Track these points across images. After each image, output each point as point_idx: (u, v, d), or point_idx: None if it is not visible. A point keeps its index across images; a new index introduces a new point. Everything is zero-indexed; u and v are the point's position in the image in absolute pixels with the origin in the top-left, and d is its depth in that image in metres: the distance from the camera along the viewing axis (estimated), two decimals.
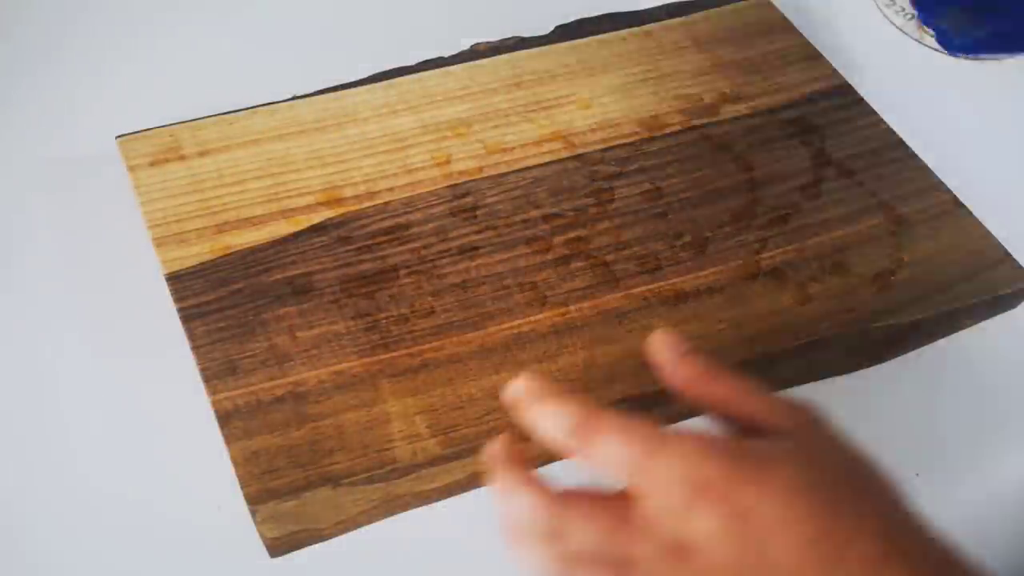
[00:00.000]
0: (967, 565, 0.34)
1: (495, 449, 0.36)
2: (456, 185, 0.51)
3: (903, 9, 0.69)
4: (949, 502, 0.47)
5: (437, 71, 0.56)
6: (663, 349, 0.39)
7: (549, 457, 0.37)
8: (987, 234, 0.53)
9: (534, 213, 0.50)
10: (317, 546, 0.42)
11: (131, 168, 0.49)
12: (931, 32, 0.63)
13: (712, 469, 0.33)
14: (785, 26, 0.62)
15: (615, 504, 0.34)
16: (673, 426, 0.37)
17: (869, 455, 0.35)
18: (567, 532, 0.34)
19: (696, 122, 0.56)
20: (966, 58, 0.63)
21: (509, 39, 0.58)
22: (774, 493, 0.33)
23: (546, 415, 0.35)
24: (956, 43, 0.64)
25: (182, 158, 0.50)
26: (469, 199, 0.50)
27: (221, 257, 0.46)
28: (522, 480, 0.35)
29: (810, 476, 0.33)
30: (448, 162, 0.52)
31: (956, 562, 0.34)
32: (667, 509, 0.33)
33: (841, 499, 0.33)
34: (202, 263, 0.46)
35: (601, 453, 0.34)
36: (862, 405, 0.49)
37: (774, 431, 0.35)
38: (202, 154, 0.50)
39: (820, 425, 0.36)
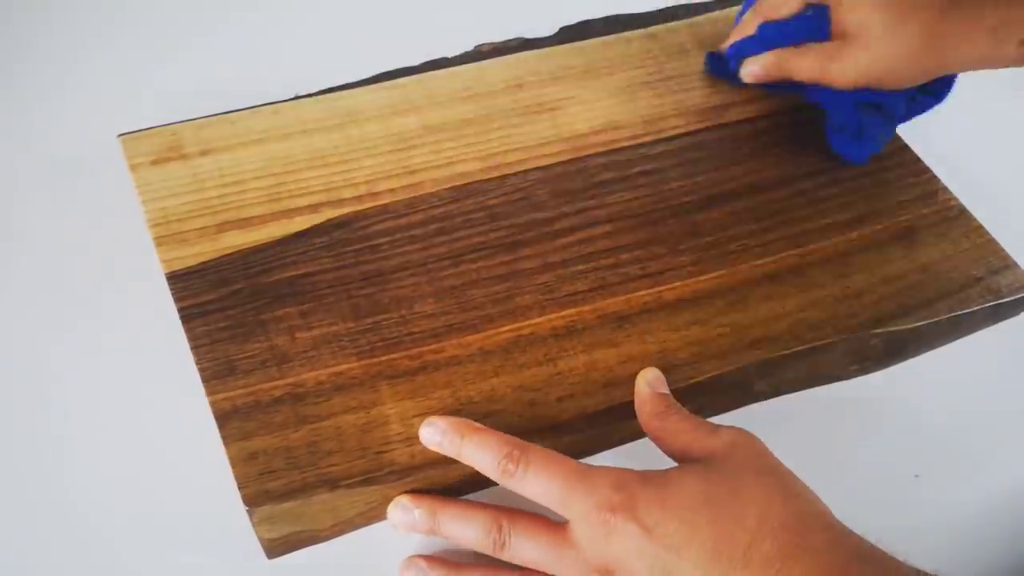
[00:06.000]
0: (882, 558, 0.36)
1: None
2: (458, 187, 0.51)
3: None
4: (950, 503, 0.47)
5: (440, 72, 0.55)
6: (643, 385, 0.44)
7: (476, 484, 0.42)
8: (991, 240, 0.52)
9: (536, 215, 0.50)
10: (314, 547, 0.42)
11: (132, 167, 0.49)
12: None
13: (622, 494, 0.37)
14: None
15: (553, 527, 0.39)
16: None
17: (782, 465, 0.39)
18: (512, 545, 0.39)
19: (699, 125, 0.55)
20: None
21: (512, 40, 0.58)
22: (675, 510, 0.37)
23: (474, 450, 0.40)
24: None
25: (184, 157, 0.50)
26: (471, 201, 0.50)
27: (222, 257, 0.46)
28: (466, 504, 0.40)
29: (710, 491, 0.37)
30: (450, 163, 0.51)
31: (870, 554, 0.36)
32: (589, 535, 0.38)
33: (743, 507, 0.37)
34: (203, 263, 0.46)
35: (528, 487, 0.39)
36: (864, 407, 0.49)
37: (699, 458, 0.40)
38: (204, 153, 0.50)
39: (738, 446, 0.40)
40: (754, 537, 0.36)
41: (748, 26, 0.55)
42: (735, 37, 0.56)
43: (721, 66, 0.56)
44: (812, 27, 0.52)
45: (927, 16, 0.48)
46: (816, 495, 0.39)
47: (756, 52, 0.54)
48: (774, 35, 0.53)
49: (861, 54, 0.50)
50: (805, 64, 0.52)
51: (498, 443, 0.40)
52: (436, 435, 0.41)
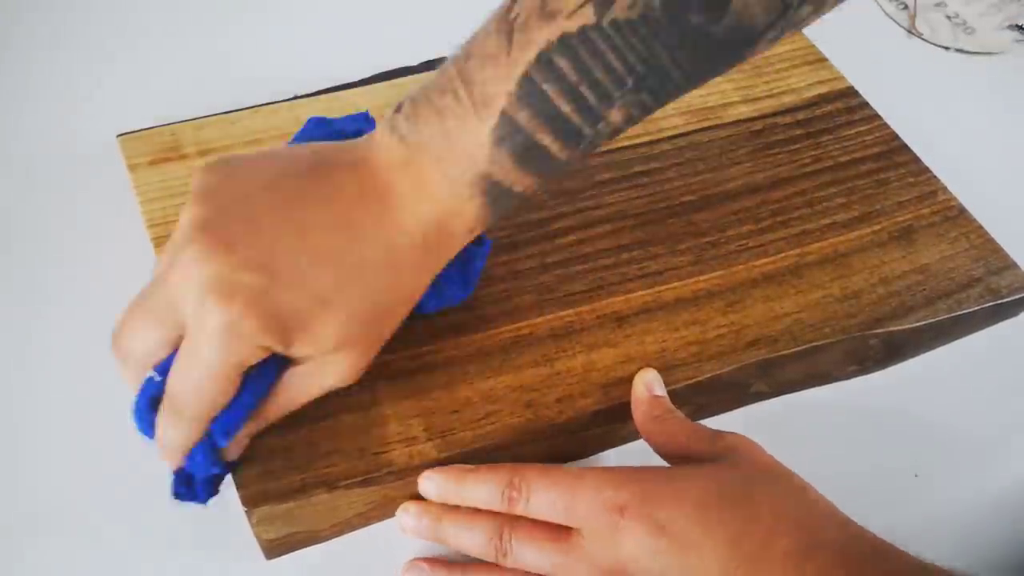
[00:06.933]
0: (897, 554, 0.36)
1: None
2: None
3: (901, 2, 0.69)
4: (950, 502, 0.47)
5: None
6: (640, 386, 0.43)
7: None
8: (991, 240, 0.52)
9: (534, 215, 0.50)
10: (313, 548, 0.42)
11: (131, 167, 0.49)
12: (919, 33, 0.58)
13: (628, 493, 0.37)
14: None
15: (557, 532, 0.38)
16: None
17: (787, 468, 0.39)
18: (515, 552, 0.38)
19: (698, 125, 0.55)
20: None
21: None
22: (688, 507, 0.36)
23: (472, 492, 0.40)
24: None
25: (182, 157, 0.50)
26: None
27: None
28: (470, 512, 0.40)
29: (721, 489, 0.37)
30: None
31: (885, 551, 0.36)
32: (597, 537, 0.37)
33: (756, 505, 0.37)
34: None
35: (533, 508, 0.38)
36: (864, 407, 0.49)
37: (698, 461, 0.40)
38: (203, 153, 0.50)
39: (739, 450, 0.39)
40: (770, 533, 0.36)
41: (198, 422, 0.38)
42: (176, 455, 0.39)
43: (203, 488, 0.40)
44: (265, 373, 0.39)
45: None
46: (823, 495, 0.38)
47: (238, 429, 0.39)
48: (241, 409, 0.38)
49: (328, 325, 0.37)
50: (301, 394, 0.40)
51: (495, 476, 0.39)
52: (429, 493, 0.41)
